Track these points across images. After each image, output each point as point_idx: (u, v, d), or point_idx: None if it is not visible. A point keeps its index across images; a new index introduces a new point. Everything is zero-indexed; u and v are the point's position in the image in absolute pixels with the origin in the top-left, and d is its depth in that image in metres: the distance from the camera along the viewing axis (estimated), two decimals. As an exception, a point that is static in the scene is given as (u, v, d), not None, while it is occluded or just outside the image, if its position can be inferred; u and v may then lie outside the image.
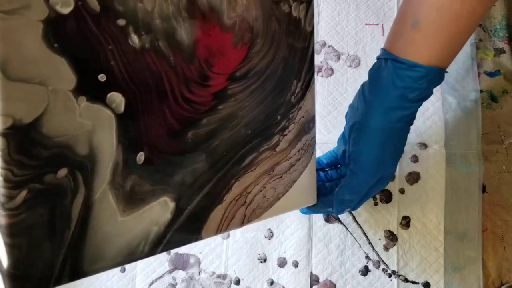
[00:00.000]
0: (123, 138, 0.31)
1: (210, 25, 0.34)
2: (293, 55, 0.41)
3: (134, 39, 0.31)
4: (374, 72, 0.45)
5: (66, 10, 0.27)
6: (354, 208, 0.51)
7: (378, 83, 0.44)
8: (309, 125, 0.45)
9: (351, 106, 0.48)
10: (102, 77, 0.29)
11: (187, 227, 0.37)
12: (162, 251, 0.35)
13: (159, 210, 0.35)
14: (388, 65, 0.43)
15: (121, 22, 0.30)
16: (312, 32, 0.40)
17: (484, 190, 0.59)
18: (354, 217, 0.58)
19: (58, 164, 0.28)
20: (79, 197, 0.29)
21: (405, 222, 0.58)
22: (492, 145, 0.60)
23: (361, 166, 0.46)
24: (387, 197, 0.59)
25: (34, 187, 0.26)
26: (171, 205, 0.36)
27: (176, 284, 0.57)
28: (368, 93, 0.45)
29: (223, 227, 0.40)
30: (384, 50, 0.45)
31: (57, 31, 0.27)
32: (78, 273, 0.29)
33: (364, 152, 0.45)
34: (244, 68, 0.38)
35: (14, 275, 0.26)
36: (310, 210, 0.52)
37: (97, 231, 0.30)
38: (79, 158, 0.29)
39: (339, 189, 0.48)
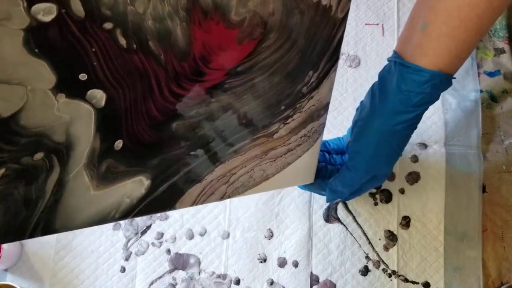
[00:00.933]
0: (101, 129, 0.33)
1: (212, 23, 0.32)
2: (314, 47, 0.38)
3: (121, 41, 0.30)
4: (384, 74, 0.45)
5: (48, 18, 0.27)
6: (346, 199, 0.52)
7: (385, 85, 0.44)
8: (319, 113, 0.43)
9: (361, 102, 0.48)
10: (83, 76, 0.30)
11: (160, 200, 0.39)
12: (133, 217, 0.39)
13: (133, 186, 0.37)
14: (395, 68, 0.43)
15: (108, 25, 0.29)
16: (344, 18, 0.36)
17: (484, 190, 0.59)
18: (354, 217, 0.58)
19: (34, 149, 0.31)
20: (53, 175, 0.33)
21: (405, 222, 0.58)
22: (492, 145, 0.60)
23: (354, 163, 0.47)
24: (387, 197, 0.59)
25: (11, 166, 0.31)
26: (146, 182, 0.38)
27: (176, 284, 0.57)
28: (376, 94, 0.45)
29: (199, 202, 0.42)
30: (394, 53, 0.45)
31: (38, 37, 0.27)
32: (50, 231, 0.35)
33: (360, 151, 0.46)
34: (248, 63, 0.36)
35: None
36: (305, 186, 0.54)
37: (70, 202, 0.35)
38: (56, 144, 0.32)
39: (333, 179, 0.49)
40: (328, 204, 0.59)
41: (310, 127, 0.44)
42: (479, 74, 0.63)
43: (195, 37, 0.32)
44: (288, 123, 0.42)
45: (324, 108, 0.43)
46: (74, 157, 0.33)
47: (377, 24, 0.66)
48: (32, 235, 0.35)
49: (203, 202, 0.42)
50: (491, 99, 0.62)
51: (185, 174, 0.39)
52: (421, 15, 0.42)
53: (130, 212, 0.38)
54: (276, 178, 0.45)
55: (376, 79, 0.64)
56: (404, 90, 0.42)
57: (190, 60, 0.33)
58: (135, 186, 0.37)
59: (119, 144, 0.35)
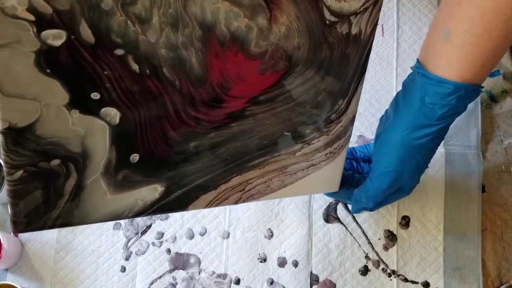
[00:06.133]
0: (116, 143, 0.34)
1: (229, 53, 0.32)
2: (345, 77, 0.36)
3: (133, 66, 0.31)
4: (407, 84, 0.44)
5: (57, 43, 0.28)
6: (372, 210, 0.50)
7: (408, 96, 0.43)
8: (346, 129, 0.41)
9: (386, 111, 0.46)
10: (95, 95, 0.31)
11: (174, 203, 0.40)
12: (145, 216, 0.40)
13: (148, 192, 0.38)
14: (418, 79, 0.42)
15: (119, 52, 0.30)
16: (373, 30, 0.35)
17: (483, 190, 0.59)
18: (353, 217, 0.59)
19: (50, 156, 0.33)
20: (71, 180, 0.35)
21: (405, 222, 0.58)
22: (491, 145, 0.60)
23: (378, 176, 0.45)
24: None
25: (29, 169, 0.33)
26: (161, 189, 0.39)
27: (176, 283, 0.57)
28: (399, 105, 0.44)
29: (212, 205, 0.42)
30: (417, 61, 0.43)
31: (49, 59, 0.29)
32: (67, 225, 0.38)
33: (383, 163, 0.44)
34: (272, 93, 0.35)
35: (14, 221, 0.35)
36: (330, 194, 0.52)
37: (87, 203, 0.37)
38: (72, 154, 0.34)
39: (357, 190, 0.48)
40: (328, 203, 0.59)
41: (337, 145, 0.42)
42: (478, 74, 0.63)
43: (211, 66, 0.32)
44: (313, 143, 0.41)
45: (351, 122, 0.41)
46: (91, 166, 0.35)
47: (377, 24, 0.66)
48: (51, 227, 0.37)
49: (217, 205, 0.42)
50: (491, 99, 0.62)
51: (200, 184, 0.40)
52: (443, 22, 0.40)
53: (143, 212, 0.40)
54: (295, 186, 0.44)
55: (375, 79, 0.65)
56: (428, 103, 0.40)
57: (207, 87, 0.33)
58: (150, 192, 0.38)
59: (135, 157, 0.36)
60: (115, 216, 0.39)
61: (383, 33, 0.66)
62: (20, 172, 0.33)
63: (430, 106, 0.40)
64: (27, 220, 0.36)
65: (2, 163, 0.32)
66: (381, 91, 0.63)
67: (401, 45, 0.65)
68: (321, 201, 0.59)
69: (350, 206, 0.59)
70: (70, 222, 0.37)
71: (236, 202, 0.43)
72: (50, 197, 0.35)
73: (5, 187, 0.34)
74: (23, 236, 0.58)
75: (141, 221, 0.59)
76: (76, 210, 0.37)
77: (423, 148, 0.43)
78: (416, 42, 0.65)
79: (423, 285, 0.56)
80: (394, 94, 0.62)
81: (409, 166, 0.44)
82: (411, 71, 0.44)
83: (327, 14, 0.32)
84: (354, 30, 0.34)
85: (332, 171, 0.45)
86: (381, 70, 0.64)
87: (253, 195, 0.43)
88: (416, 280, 0.57)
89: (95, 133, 0.33)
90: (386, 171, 0.44)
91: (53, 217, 0.37)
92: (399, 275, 0.57)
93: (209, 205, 0.41)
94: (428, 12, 0.65)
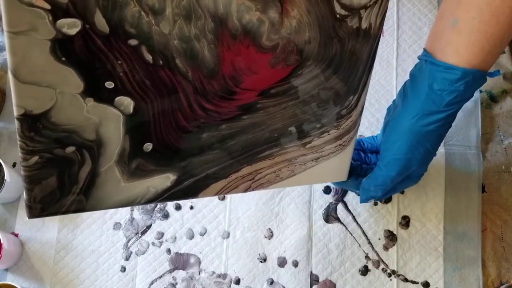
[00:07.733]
0: (130, 132, 0.35)
1: (241, 46, 0.32)
2: (356, 73, 0.37)
3: (147, 57, 0.31)
4: (415, 72, 0.44)
5: (72, 31, 0.29)
6: (379, 199, 0.51)
7: (416, 84, 0.43)
8: (355, 123, 0.42)
9: (393, 101, 0.47)
10: (109, 84, 0.32)
11: (184, 191, 0.40)
12: (157, 203, 0.41)
13: (160, 181, 0.39)
14: (426, 67, 0.42)
15: (133, 42, 0.30)
16: (381, 23, 0.35)
17: (483, 190, 0.59)
18: (353, 217, 0.59)
19: (65, 143, 0.34)
20: (86, 167, 0.36)
21: (405, 222, 0.58)
22: (491, 145, 0.61)
23: (387, 164, 0.46)
24: (387, 197, 0.59)
25: (44, 155, 0.34)
26: (173, 178, 0.40)
27: (176, 283, 0.57)
28: (408, 93, 0.44)
29: (222, 193, 0.43)
30: (424, 51, 0.44)
31: (64, 47, 0.29)
32: (81, 210, 0.39)
33: (392, 151, 0.45)
34: (283, 87, 0.36)
35: (29, 206, 0.36)
36: (338, 183, 0.53)
37: (101, 190, 0.38)
38: (86, 141, 0.35)
39: (366, 179, 0.49)
40: (328, 203, 0.59)
41: (346, 137, 0.43)
42: (478, 74, 0.63)
43: (223, 58, 0.33)
44: (323, 137, 0.42)
45: (360, 114, 0.42)
46: (105, 154, 0.36)
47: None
48: (65, 213, 0.38)
49: (227, 193, 0.43)
50: (491, 99, 0.62)
51: (211, 173, 0.40)
52: (450, 11, 0.41)
53: (155, 199, 0.40)
54: (304, 175, 0.45)
55: (375, 79, 0.65)
56: (436, 90, 0.41)
57: (219, 79, 0.34)
58: (162, 180, 0.39)
59: (148, 146, 0.36)
60: (128, 203, 0.40)
61: (383, 33, 0.66)
62: (35, 158, 0.34)
63: (438, 92, 0.41)
64: (42, 205, 0.37)
65: (18, 149, 0.33)
66: (381, 91, 0.63)
67: (401, 45, 0.65)
68: (321, 201, 0.59)
69: (349, 206, 0.59)
70: (83, 208, 0.38)
71: (245, 190, 0.43)
72: (65, 183, 0.36)
73: (21, 172, 0.34)
74: (23, 236, 0.58)
75: (141, 221, 0.59)
76: (90, 198, 0.38)
77: (431, 135, 0.43)
78: (416, 42, 0.65)
79: (423, 285, 0.56)
80: (394, 94, 0.62)
81: (418, 154, 0.44)
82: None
83: (337, 8, 0.33)
84: (364, 24, 0.34)
85: (340, 161, 0.46)
86: (381, 70, 0.64)
87: (263, 183, 0.43)
88: (416, 280, 0.57)
89: (109, 122, 0.34)
90: (395, 158, 0.45)
91: (67, 203, 0.37)
92: (399, 275, 0.57)
93: (219, 193, 0.42)
94: (428, 12, 0.66)
